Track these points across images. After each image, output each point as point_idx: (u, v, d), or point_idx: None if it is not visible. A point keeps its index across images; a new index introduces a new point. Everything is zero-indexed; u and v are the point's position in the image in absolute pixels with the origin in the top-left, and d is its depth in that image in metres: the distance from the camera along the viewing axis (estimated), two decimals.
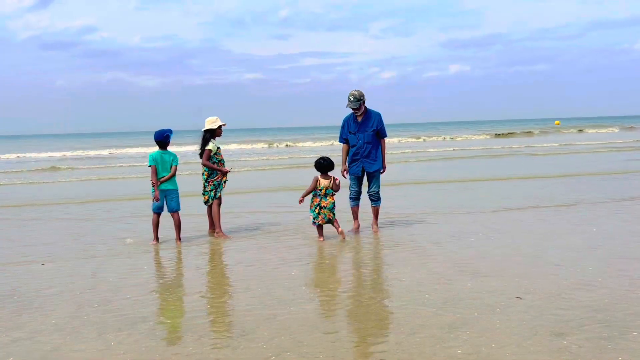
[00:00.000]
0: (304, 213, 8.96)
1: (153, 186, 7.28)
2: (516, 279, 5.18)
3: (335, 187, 7.36)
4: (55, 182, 16.85)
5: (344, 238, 7.19)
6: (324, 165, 7.35)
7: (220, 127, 7.74)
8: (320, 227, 7.28)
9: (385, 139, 7.86)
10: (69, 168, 22.29)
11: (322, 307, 4.59)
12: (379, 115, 7.75)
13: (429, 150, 28.16)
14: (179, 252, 6.81)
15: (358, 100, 7.51)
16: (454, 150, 27.64)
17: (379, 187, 7.82)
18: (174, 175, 7.31)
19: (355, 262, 6.17)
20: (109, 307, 4.72)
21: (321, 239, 7.22)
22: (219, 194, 7.65)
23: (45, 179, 17.99)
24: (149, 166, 7.30)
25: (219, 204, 7.64)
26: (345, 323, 4.20)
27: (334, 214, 7.24)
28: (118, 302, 4.85)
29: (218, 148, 7.66)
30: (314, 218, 7.24)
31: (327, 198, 7.26)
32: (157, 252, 6.90)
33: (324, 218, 7.19)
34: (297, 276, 5.54)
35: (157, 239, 7.41)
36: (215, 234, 7.59)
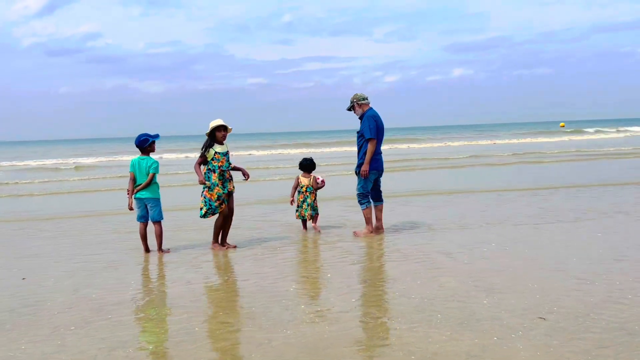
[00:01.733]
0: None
1: (128, 194, 6.85)
2: (537, 295, 4.70)
3: (315, 185, 8.08)
4: (51, 193, 16.48)
5: (318, 232, 7.88)
6: (304, 165, 8.16)
7: (220, 130, 6.87)
8: (304, 221, 8.07)
9: (371, 140, 7.30)
10: (42, 182, 21.93)
11: (322, 329, 4.10)
12: (366, 116, 7.42)
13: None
14: (170, 265, 6.35)
15: (351, 103, 7.58)
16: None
17: (357, 190, 7.54)
18: (150, 182, 6.83)
19: (359, 276, 5.69)
20: (87, 329, 4.26)
21: (304, 230, 8.02)
22: (207, 210, 6.88)
23: (36, 189, 17.63)
24: (130, 172, 6.90)
25: (218, 216, 7.03)
26: (348, 349, 3.72)
27: (313, 213, 7.96)
28: (97, 323, 4.39)
29: (216, 153, 6.86)
30: (296, 212, 8.08)
31: (310, 196, 7.98)
32: (146, 265, 6.45)
33: (304, 213, 7.96)
34: (295, 292, 5.07)
35: (147, 249, 6.98)
36: (220, 247, 7.06)
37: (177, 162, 28.37)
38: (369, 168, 7.36)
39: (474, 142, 39.99)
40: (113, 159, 32.57)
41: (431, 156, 25.64)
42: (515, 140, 40.86)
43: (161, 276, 6.01)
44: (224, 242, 7.15)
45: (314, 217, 8.06)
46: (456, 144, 39.15)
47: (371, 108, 7.52)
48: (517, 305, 4.46)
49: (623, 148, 27.13)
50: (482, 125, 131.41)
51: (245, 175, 7.20)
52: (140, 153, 6.97)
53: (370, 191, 7.53)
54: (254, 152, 35.94)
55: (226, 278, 5.71)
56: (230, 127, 6.97)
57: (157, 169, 6.87)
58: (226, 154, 6.99)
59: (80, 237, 8.29)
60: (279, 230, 8.19)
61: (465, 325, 4.06)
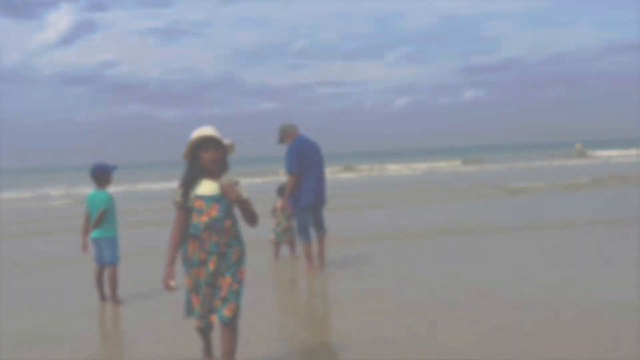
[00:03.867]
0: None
1: (82, 234, 5.93)
2: None
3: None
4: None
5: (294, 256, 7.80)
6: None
7: (208, 148, 3.57)
8: (276, 247, 7.81)
9: (290, 174, 6.74)
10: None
11: None
12: (289, 148, 6.86)
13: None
14: (123, 320, 5.39)
15: (279, 135, 7.03)
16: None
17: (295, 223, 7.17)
18: (100, 220, 5.89)
19: (340, 339, 4.63)
20: None
21: (275, 259, 7.79)
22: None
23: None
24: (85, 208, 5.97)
25: None
26: None
27: (275, 236, 7.73)
28: None
29: (198, 198, 3.54)
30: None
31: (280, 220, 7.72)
32: (95, 320, 5.49)
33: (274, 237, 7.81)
34: None
35: (102, 297, 6.03)
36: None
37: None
38: (303, 202, 6.79)
39: (478, 167, 38.41)
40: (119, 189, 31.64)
41: (442, 185, 24.55)
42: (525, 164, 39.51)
43: (105, 336, 5.05)
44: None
45: (288, 243, 7.81)
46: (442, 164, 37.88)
47: (300, 136, 7.00)
48: None
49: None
50: (495, 146, 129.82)
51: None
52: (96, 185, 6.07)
53: (309, 224, 6.90)
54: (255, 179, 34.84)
55: (181, 346, 4.68)
56: (228, 141, 3.65)
57: (108, 203, 5.93)
58: (219, 199, 3.52)
59: (40, 286, 7.38)
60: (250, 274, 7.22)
61: None
